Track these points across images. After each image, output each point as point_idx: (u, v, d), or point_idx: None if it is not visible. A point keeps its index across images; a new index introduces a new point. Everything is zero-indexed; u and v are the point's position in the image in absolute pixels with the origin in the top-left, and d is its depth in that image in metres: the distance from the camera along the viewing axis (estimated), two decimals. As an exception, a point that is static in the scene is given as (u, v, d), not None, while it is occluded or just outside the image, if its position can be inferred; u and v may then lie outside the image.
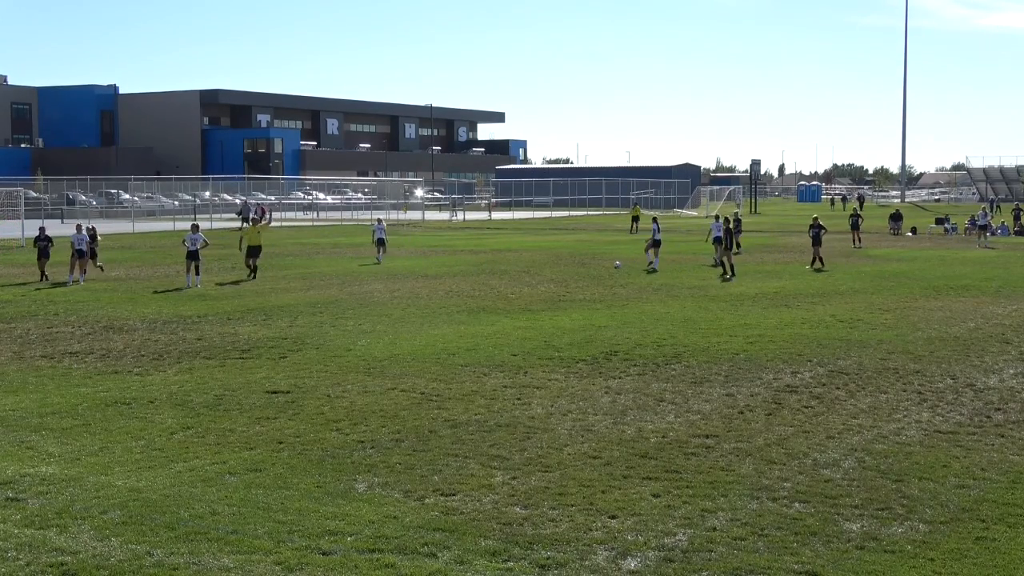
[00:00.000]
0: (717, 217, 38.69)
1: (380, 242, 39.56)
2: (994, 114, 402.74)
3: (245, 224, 67.39)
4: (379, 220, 42.00)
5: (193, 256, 30.42)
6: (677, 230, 61.51)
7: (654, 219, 40.09)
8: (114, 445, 12.25)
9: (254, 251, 32.71)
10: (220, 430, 12.95)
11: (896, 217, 61.62)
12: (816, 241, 36.53)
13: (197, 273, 30.45)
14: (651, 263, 36.46)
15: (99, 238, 34.38)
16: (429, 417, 13.59)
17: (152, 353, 18.66)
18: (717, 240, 36.81)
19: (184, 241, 31.04)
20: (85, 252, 31.59)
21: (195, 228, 31.82)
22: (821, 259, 36.36)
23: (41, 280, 31.42)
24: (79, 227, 32.44)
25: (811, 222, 37.26)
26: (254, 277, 32.12)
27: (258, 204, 76.64)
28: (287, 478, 10.89)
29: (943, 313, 23.84)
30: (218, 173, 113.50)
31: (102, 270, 33.52)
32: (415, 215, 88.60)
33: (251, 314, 23.86)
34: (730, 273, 33.45)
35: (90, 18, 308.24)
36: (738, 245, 43.26)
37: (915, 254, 43.64)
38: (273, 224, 73.68)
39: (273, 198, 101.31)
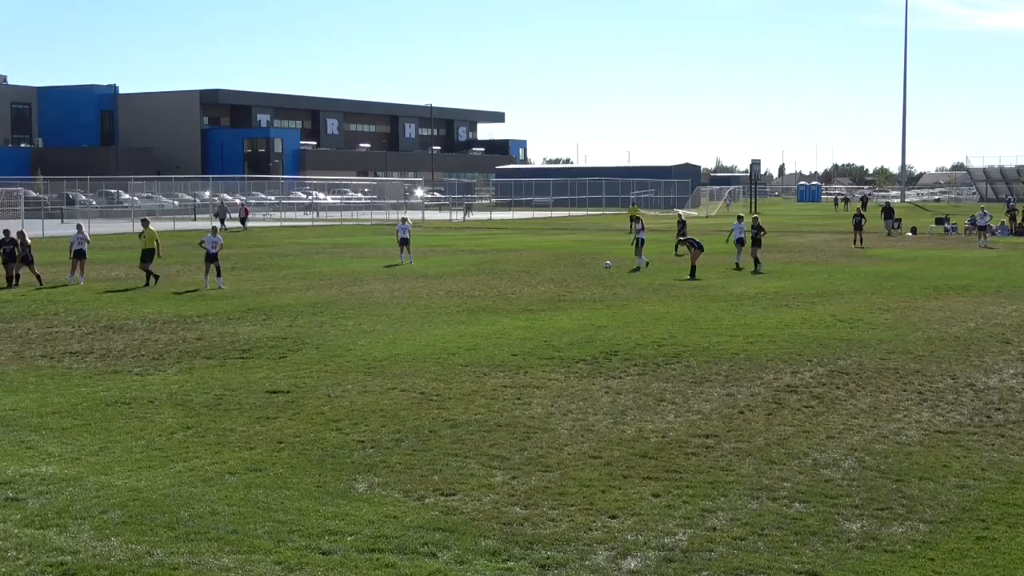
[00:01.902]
0: (740, 218, 38.02)
1: (404, 242, 39.13)
2: (994, 114, 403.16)
3: (222, 226, 66.00)
4: (403, 220, 41.09)
5: (212, 258, 29.98)
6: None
7: (635, 218, 39.67)
8: (114, 445, 12.25)
9: (147, 255, 30.78)
10: (220, 430, 12.95)
11: (888, 213, 59.47)
12: (756, 243, 35.50)
13: (219, 275, 29.97)
14: (640, 264, 36.19)
15: (30, 242, 31.32)
16: (429, 417, 13.59)
17: (152, 353, 18.65)
18: (739, 241, 36.30)
19: (203, 242, 30.46)
20: (84, 252, 31.56)
21: (215, 231, 31.24)
22: (757, 260, 35.23)
23: (9, 285, 29.90)
24: (79, 227, 32.37)
25: (751, 223, 36.52)
26: (149, 284, 30.21)
27: (241, 204, 75.00)
28: (287, 478, 10.89)
29: (943, 313, 23.83)
30: (218, 173, 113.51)
31: (40, 280, 30.28)
32: (415, 215, 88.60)
33: (251, 314, 23.86)
34: (755, 269, 33.92)
35: (90, 18, 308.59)
36: (677, 248, 42.99)
37: (915, 254, 43.64)
38: (273, 224, 73.65)
39: (273, 198, 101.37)
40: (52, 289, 29.60)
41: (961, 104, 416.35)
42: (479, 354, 18.31)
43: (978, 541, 9.03)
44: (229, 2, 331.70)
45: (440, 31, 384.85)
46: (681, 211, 62.68)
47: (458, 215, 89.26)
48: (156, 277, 30.77)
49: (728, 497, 10.20)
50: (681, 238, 39.83)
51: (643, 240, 37.33)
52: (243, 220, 68.78)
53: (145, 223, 32.11)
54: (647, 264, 36.10)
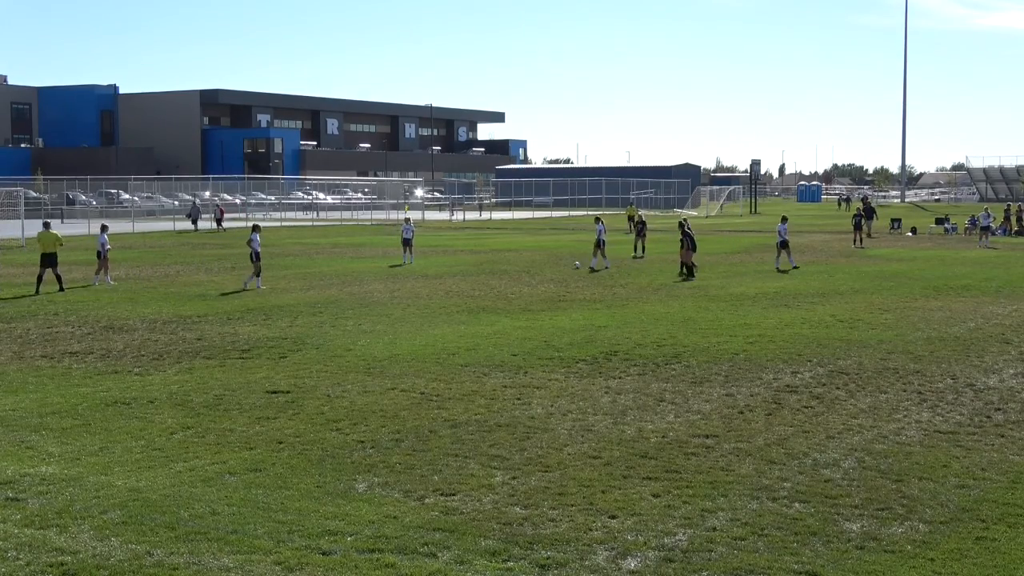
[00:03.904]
0: (784, 219, 37.03)
1: (407, 242, 39.02)
2: (994, 114, 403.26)
3: (195, 228, 64.94)
4: (407, 220, 40.88)
5: (258, 257, 29.56)
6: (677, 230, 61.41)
7: (597, 219, 38.75)
8: (114, 445, 12.25)
9: (48, 260, 29.18)
10: (220, 430, 12.95)
11: (868, 214, 54.38)
12: (690, 247, 34.02)
13: (258, 274, 29.58)
14: (603, 264, 35.70)
15: None
16: (429, 417, 13.59)
17: (152, 353, 18.65)
18: (782, 244, 35.66)
19: (251, 242, 29.90)
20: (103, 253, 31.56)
21: (255, 228, 30.71)
22: (691, 266, 33.86)
23: None
24: (103, 228, 32.47)
25: (678, 225, 35.47)
26: (60, 289, 28.62)
27: (216, 204, 73.64)
28: (287, 478, 10.89)
29: (943, 313, 23.83)
30: (218, 173, 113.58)
31: None
32: (415, 215, 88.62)
33: (251, 314, 23.86)
34: (687, 274, 32.60)
35: (90, 18, 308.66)
36: (643, 248, 42.31)
37: (915, 254, 43.63)
38: (273, 224, 73.55)
39: (273, 198, 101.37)
40: (52, 289, 29.59)
41: (961, 104, 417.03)
42: (479, 354, 18.30)
43: (978, 541, 9.03)
44: (229, 2, 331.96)
45: (440, 31, 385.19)
46: (642, 211, 61.77)
47: (458, 215, 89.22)
48: (60, 279, 29.16)
49: (728, 497, 10.20)
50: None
51: (604, 241, 36.85)
52: (218, 221, 67.02)
53: (47, 225, 30.79)
54: (607, 267, 35.54)
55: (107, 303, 26.15)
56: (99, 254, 31.37)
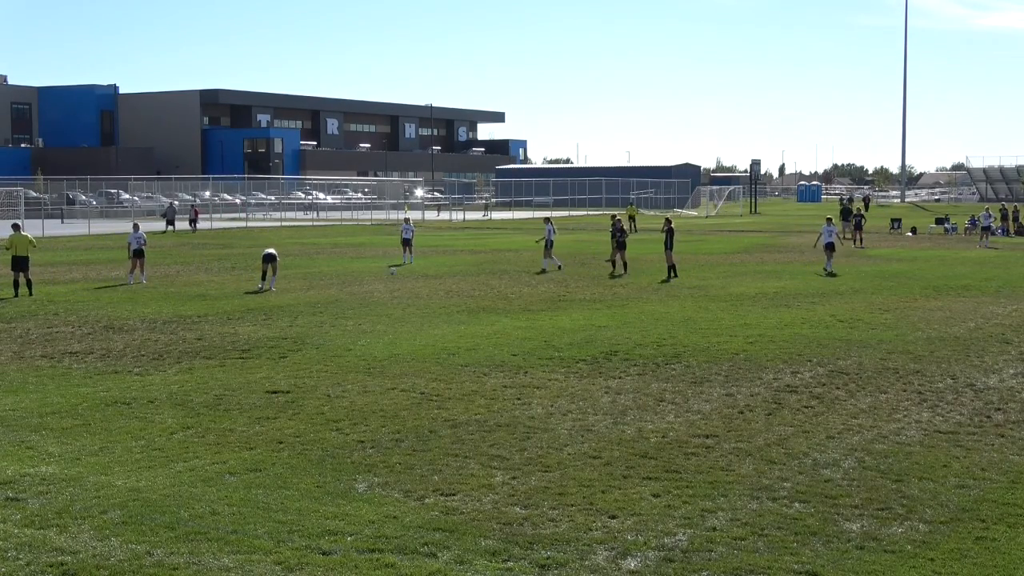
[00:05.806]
0: (828, 220, 36.00)
1: (406, 242, 39.00)
2: (994, 114, 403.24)
3: (170, 228, 64.53)
4: (407, 220, 40.78)
5: (270, 259, 29.37)
6: (677, 230, 61.34)
7: (547, 220, 38.17)
8: (114, 445, 12.25)
9: (20, 263, 27.96)
10: (220, 430, 12.95)
11: (845, 215, 51.73)
12: (619, 245, 34.10)
13: (274, 273, 29.40)
14: (553, 266, 35.38)
15: None
16: (429, 417, 13.59)
17: (152, 353, 18.65)
18: (828, 246, 34.69)
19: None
20: (143, 252, 31.40)
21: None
22: (625, 263, 34.01)
23: None
24: (136, 226, 32.42)
25: (612, 223, 35.19)
26: (29, 293, 27.56)
27: (192, 205, 73.11)
28: (287, 478, 10.89)
29: (943, 313, 23.83)
30: (218, 173, 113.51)
31: None
32: (415, 215, 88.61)
33: (251, 314, 23.86)
34: (616, 271, 32.30)
35: (90, 18, 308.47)
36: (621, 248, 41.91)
37: (915, 254, 43.64)
38: (274, 224, 73.59)
39: (273, 198, 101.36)
40: (53, 287, 29.59)
41: (961, 104, 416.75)
42: (479, 354, 18.30)
43: (978, 541, 9.03)
44: (229, 2, 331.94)
45: (440, 31, 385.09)
46: (616, 213, 61.16)
47: (458, 215, 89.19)
48: (30, 284, 28.13)
49: (728, 497, 10.20)
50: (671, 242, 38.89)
51: (552, 242, 36.44)
52: (192, 222, 66.04)
53: (16, 228, 29.67)
54: (560, 267, 35.27)
55: (107, 303, 26.15)
56: (140, 252, 31.30)
